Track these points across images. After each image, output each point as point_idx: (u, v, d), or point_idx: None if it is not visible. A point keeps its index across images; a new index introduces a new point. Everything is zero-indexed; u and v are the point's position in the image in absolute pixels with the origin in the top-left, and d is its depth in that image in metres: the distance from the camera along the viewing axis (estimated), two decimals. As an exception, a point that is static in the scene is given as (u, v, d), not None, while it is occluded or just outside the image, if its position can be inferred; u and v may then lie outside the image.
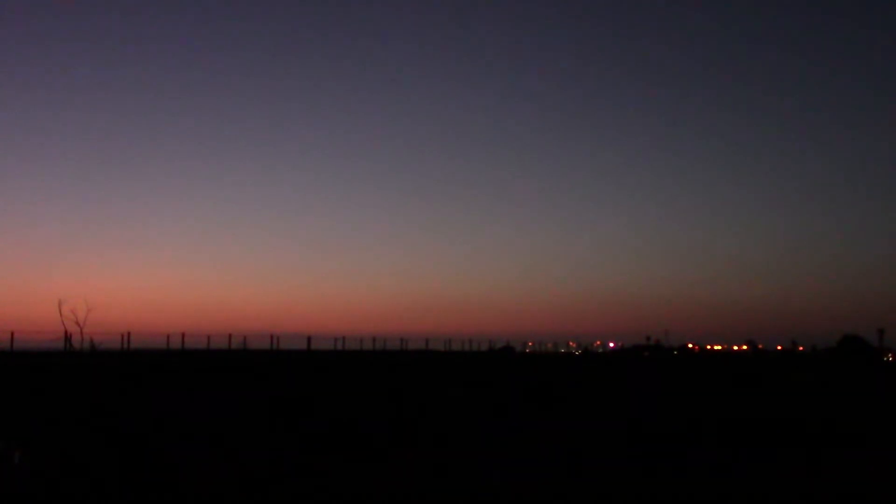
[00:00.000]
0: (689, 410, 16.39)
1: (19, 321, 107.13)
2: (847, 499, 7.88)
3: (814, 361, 60.85)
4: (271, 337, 59.74)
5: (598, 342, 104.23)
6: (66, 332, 47.27)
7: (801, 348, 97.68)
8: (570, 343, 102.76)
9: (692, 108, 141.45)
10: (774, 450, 10.83)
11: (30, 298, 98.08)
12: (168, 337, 52.76)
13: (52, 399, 16.27)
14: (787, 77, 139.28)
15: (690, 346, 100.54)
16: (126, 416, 13.28)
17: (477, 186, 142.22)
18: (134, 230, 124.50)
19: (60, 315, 47.90)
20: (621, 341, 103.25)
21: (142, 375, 24.44)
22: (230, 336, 57.30)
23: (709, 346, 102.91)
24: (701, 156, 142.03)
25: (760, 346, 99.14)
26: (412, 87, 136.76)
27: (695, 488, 8.16)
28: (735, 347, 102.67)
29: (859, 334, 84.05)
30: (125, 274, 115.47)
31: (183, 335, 52.68)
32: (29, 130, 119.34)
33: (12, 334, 42.97)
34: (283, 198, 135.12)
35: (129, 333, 49.96)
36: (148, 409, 14.61)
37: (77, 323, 47.82)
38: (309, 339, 61.71)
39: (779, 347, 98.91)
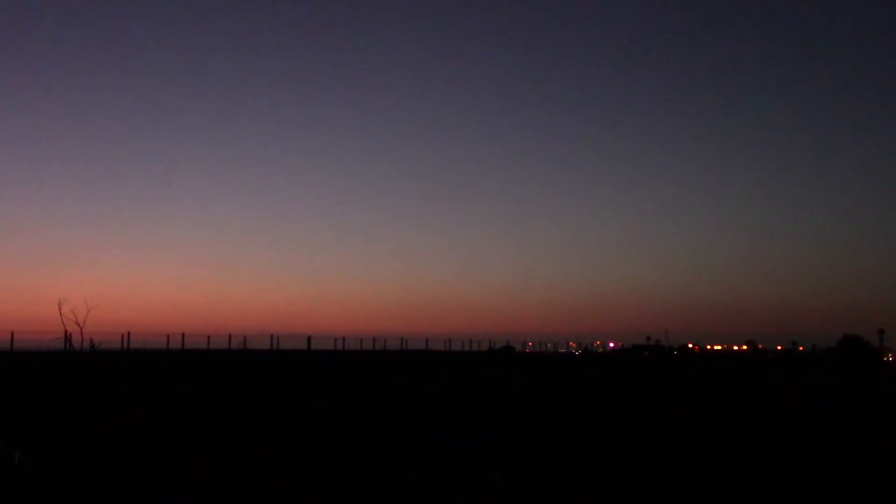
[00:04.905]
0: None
1: (19, 321, 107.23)
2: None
3: (812, 361, 60.83)
4: (271, 337, 59.87)
5: (598, 342, 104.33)
6: (66, 332, 47.35)
7: (801, 348, 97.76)
8: (571, 343, 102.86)
9: (692, 109, 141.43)
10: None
11: (30, 298, 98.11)
12: (168, 337, 52.82)
13: (52, 399, 16.28)
14: (787, 77, 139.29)
15: (690, 346, 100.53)
16: (125, 416, 13.30)
17: (477, 187, 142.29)
18: (134, 230, 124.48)
19: (60, 315, 48.02)
20: (621, 341, 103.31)
21: (141, 375, 24.46)
22: (230, 336, 57.41)
23: (709, 346, 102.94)
24: (701, 156, 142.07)
25: (760, 346, 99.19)
26: (412, 88, 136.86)
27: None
28: (735, 347, 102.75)
29: (859, 334, 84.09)
30: (125, 274, 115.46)
31: (183, 335, 52.72)
32: (29, 131, 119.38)
33: (12, 334, 42.99)
34: (283, 198, 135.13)
35: (129, 333, 50.00)
36: (147, 409, 14.63)
37: (77, 323, 47.93)
38: (309, 339, 61.82)
39: (779, 347, 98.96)
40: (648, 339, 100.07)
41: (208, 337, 56.79)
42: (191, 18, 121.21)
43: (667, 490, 8.08)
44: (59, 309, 48.04)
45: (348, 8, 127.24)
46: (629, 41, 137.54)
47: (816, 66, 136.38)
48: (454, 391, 20.50)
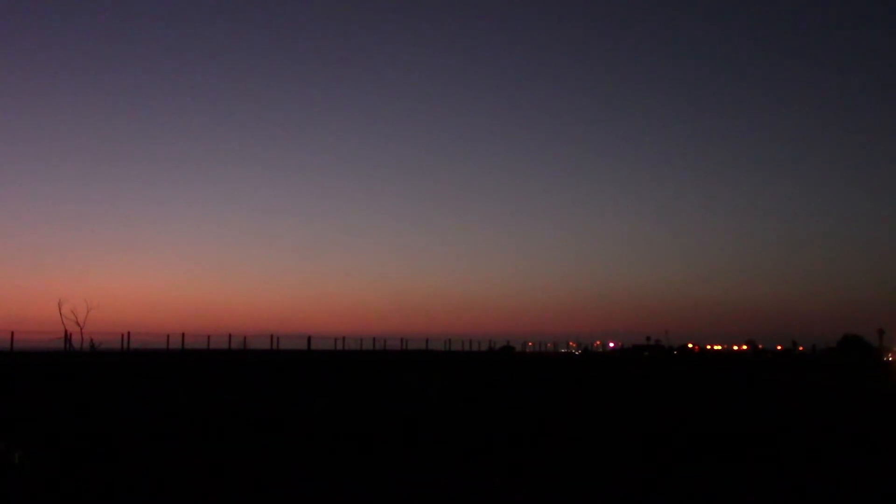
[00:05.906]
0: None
1: (19, 321, 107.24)
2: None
3: (812, 361, 60.82)
4: (271, 337, 59.94)
5: (598, 342, 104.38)
6: (66, 332, 47.40)
7: (801, 348, 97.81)
8: (571, 343, 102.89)
9: (691, 110, 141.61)
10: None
11: (30, 298, 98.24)
12: (168, 337, 52.88)
13: (52, 399, 16.28)
14: (786, 78, 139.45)
15: (690, 346, 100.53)
16: (125, 416, 13.30)
17: (477, 187, 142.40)
18: (134, 230, 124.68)
19: (60, 315, 48.08)
20: (621, 341, 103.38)
21: (141, 375, 24.46)
22: (230, 336, 57.56)
23: (709, 346, 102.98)
24: (701, 157, 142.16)
25: (760, 346, 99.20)
26: (412, 89, 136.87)
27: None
28: (735, 347, 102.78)
29: (859, 334, 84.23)
30: (125, 274, 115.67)
31: (183, 335, 52.83)
32: (29, 131, 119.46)
33: (12, 334, 43.06)
34: (283, 198, 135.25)
35: (129, 333, 50.06)
36: (146, 408, 14.63)
37: (77, 323, 47.99)
38: (309, 339, 61.93)
39: (779, 347, 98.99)
40: (648, 339, 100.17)
41: (208, 337, 56.98)
42: (190, 18, 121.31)
43: (667, 491, 8.08)
44: (59, 309, 48.17)
45: (348, 8, 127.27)
46: (629, 41, 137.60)
47: (816, 67, 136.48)
48: (454, 391, 20.49)
